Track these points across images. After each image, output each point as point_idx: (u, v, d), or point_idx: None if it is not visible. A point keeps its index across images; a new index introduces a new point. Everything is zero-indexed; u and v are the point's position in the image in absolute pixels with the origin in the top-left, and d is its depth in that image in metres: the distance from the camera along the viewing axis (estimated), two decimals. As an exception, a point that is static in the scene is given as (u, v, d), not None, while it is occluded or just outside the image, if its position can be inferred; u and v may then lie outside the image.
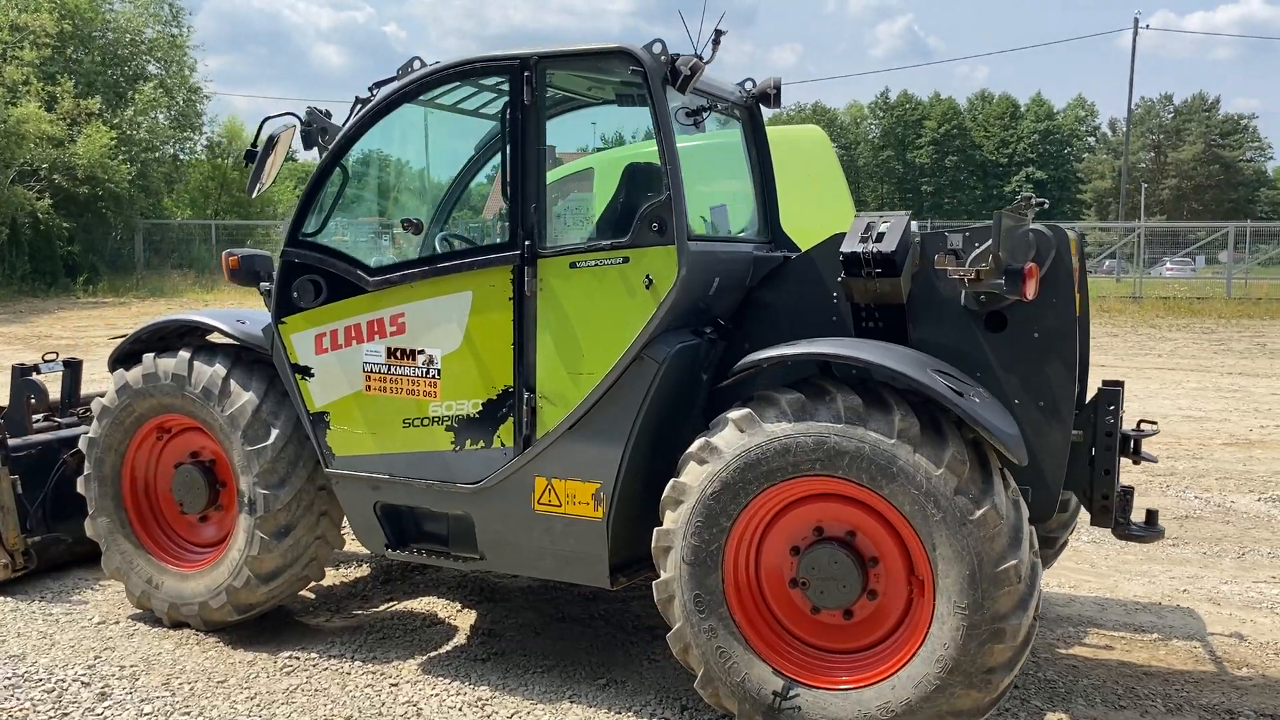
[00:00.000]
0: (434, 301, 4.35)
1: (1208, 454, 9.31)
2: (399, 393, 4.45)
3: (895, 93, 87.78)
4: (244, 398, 4.73)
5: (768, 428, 3.74)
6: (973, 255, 3.85)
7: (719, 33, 3.97)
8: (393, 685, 4.41)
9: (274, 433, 4.70)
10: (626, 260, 4.00)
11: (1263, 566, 6.18)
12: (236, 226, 34.34)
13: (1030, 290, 3.75)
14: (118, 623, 5.13)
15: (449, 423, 4.36)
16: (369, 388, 4.51)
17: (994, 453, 3.65)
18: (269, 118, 4.62)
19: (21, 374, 6.14)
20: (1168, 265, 42.10)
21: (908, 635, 3.71)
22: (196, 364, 4.84)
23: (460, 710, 4.19)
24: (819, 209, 5.71)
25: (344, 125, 4.53)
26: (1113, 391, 4.26)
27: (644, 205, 3.96)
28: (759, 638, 3.88)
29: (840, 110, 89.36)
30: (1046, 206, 4.41)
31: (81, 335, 18.48)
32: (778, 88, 4.72)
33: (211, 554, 5.02)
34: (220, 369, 4.80)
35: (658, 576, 4.01)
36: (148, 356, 4.96)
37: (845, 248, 4.08)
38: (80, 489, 5.19)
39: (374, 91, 4.58)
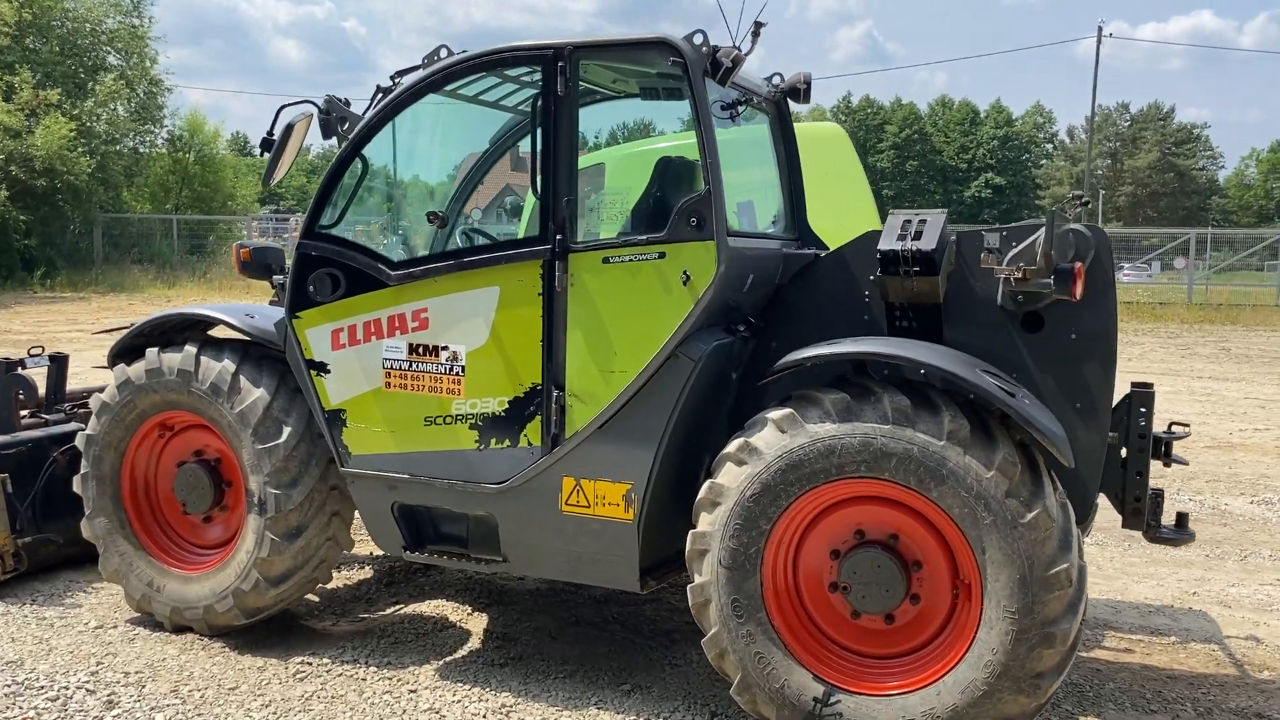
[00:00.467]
0: (459, 296, 4.22)
1: (1193, 457, 9.36)
2: (421, 390, 4.32)
3: (857, 97, 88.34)
4: (254, 394, 4.57)
5: (811, 428, 3.66)
6: (1014, 254, 3.79)
7: (759, 25, 3.90)
8: (411, 692, 4.28)
9: (286, 431, 4.55)
10: (663, 255, 3.90)
11: (1266, 569, 6.21)
12: (198, 222, 33.79)
13: (1079, 290, 3.70)
14: (116, 627, 4.95)
15: (473, 421, 4.24)
16: (389, 384, 4.38)
17: (1041, 455, 3.60)
18: (285, 105, 4.47)
19: (7, 369, 5.93)
20: (1125, 270, 42.72)
21: (953, 640, 3.65)
22: (204, 359, 4.68)
23: (484, 717, 4.07)
24: (840, 208, 5.64)
25: (365, 114, 4.39)
26: (1145, 393, 4.23)
27: (681, 200, 3.87)
28: (798, 643, 3.80)
29: (803, 114, 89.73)
30: (1089, 206, 4.35)
31: (42, 330, 18.06)
32: (808, 83, 4.65)
33: (217, 556, 4.86)
34: (229, 364, 4.64)
35: (689, 580, 3.93)
36: (151, 351, 4.79)
37: (883, 245, 4.01)
38: (76, 488, 5.00)
39: (396, 81, 4.45)
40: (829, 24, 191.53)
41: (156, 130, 35.03)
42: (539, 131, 4.04)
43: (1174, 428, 4.48)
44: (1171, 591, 5.77)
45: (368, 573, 5.81)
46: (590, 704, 4.19)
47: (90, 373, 9.35)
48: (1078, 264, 3.70)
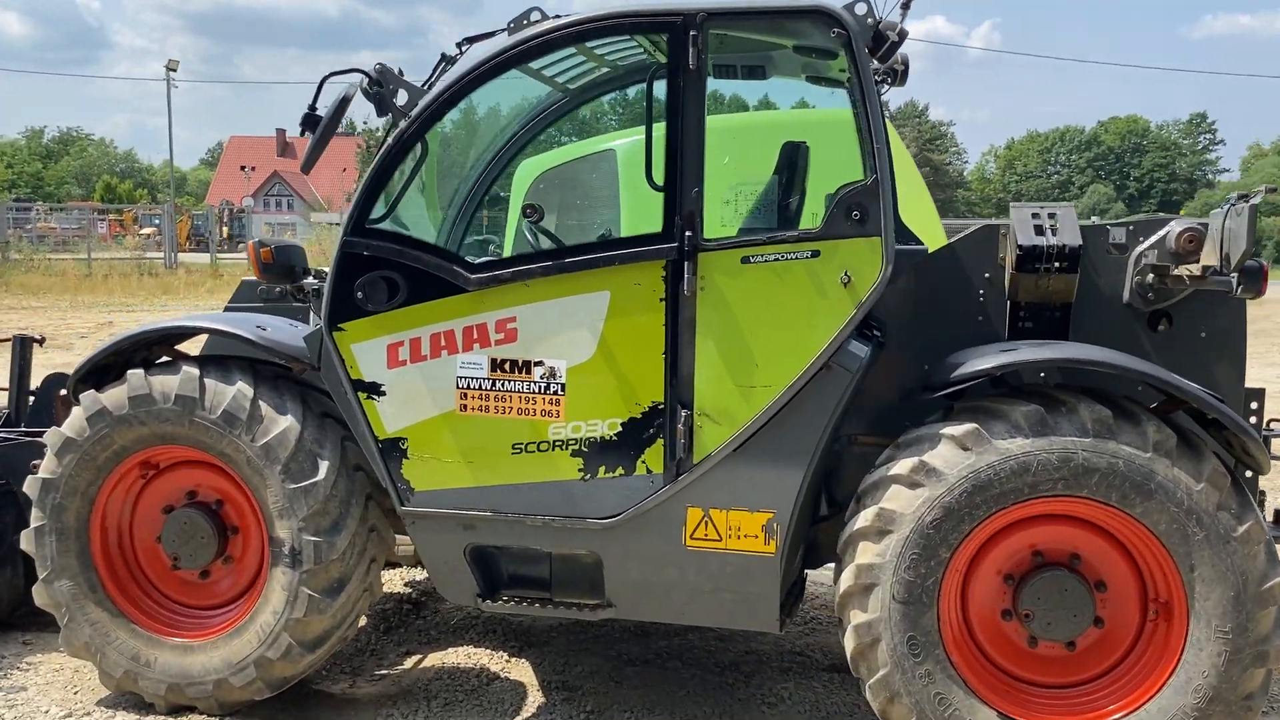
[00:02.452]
0: (558, 303, 3.62)
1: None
2: (507, 412, 3.69)
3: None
4: (282, 423, 3.80)
5: (1000, 444, 3.32)
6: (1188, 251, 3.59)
7: (909, -1, 3.51)
8: (503, 765, 3.67)
9: (323, 466, 3.81)
10: (816, 254, 3.46)
11: None
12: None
13: (1265, 289, 3.54)
14: (88, 715, 4.02)
15: (576, 447, 3.65)
16: (464, 407, 3.72)
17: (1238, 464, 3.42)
18: (330, 76, 3.70)
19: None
20: None
21: (1150, 665, 3.41)
22: (210, 382, 3.85)
23: (605, 789, 3.53)
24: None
25: (431, 88, 3.70)
26: (1257, 391, 4.15)
27: (841, 191, 3.44)
28: (978, 679, 3.47)
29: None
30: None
31: None
32: (905, 65, 4.29)
33: (225, 619, 4.04)
34: (245, 387, 3.84)
35: (842, 619, 3.53)
36: (135, 374, 3.91)
37: (1022, 240, 3.73)
38: (25, 545, 4.04)
39: (462, 49, 3.78)
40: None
41: None
42: (666, 111, 3.50)
43: (1272, 425, 4.43)
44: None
45: (359, 619, 5.04)
46: (714, 761, 3.71)
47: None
48: (1264, 262, 3.54)
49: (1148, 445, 3.28)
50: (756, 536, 3.59)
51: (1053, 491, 3.31)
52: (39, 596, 4.06)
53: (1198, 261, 3.65)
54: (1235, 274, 3.45)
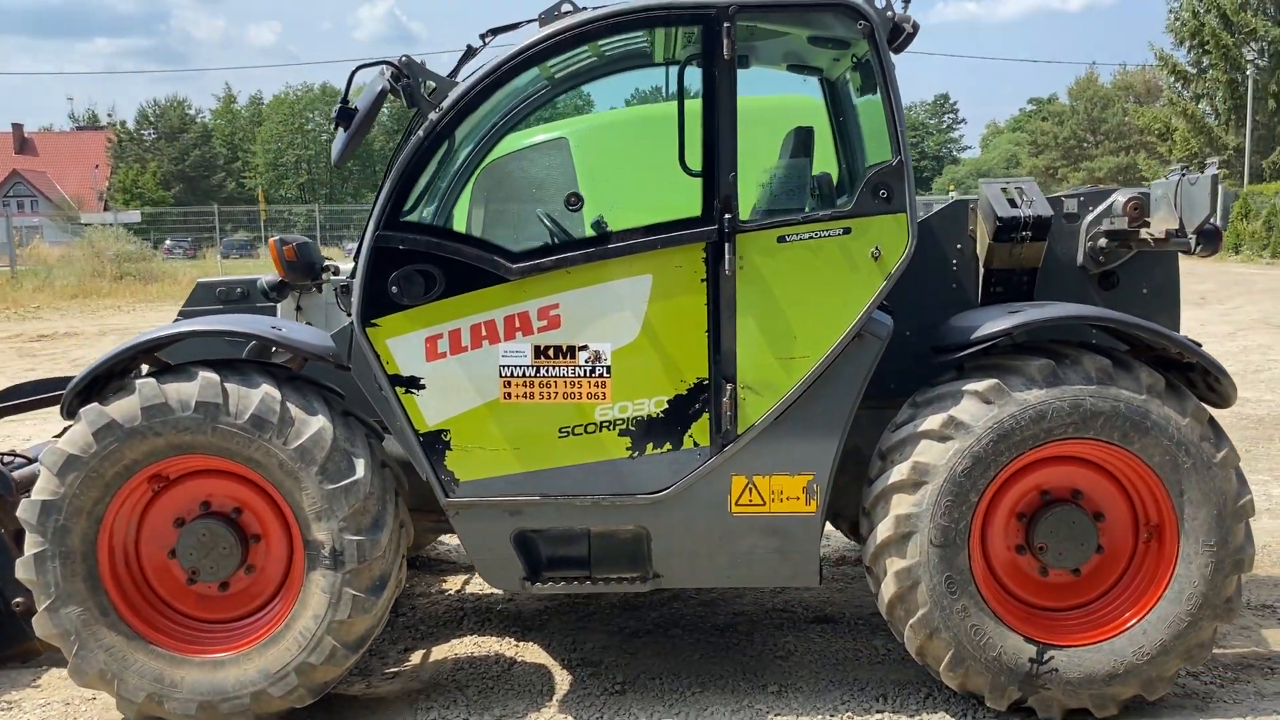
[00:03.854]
0: (600, 288, 3.73)
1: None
2: (552, 397, 3.77)
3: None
4: (315, 424, 3.73)
5: (1019, 396, 3.70)
6: (1158, 216, 4.07)
7: (911, -9, 3.81)
8: (567, 740, 3.77)
9: (360, 464, 3.77)
10: (848, 231, 3.72)
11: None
12: None
13: (1220, 247, 4.06)
14: (105, 745, 3.83)
15: (623, 426, 3.78)
16: (508, 395, 3.77)
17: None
18: (362, 66, 3.64)
19: None
20: None
21: (1146, 581, 3.87)
22: (231, 386, 3.72)
23: (673, 750, 3.70)
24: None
25: (462, 80, 3.71)
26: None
27: (870, 171, 3.71)
28: (1004, 609, 3.84)
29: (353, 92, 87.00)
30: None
31: None
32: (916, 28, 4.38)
33: (255, 629, 3.91)
34: (270, 390, 3.74)
35: (878, 566, 3.83)
36: (146, 382, 3.73)
37: (1001, 213, 4.13)
38: (21, 574, 3.78)
39: (486, 40, 3.80)
40: (349, 2, 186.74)
41: None
42: (701, 100, 3.66)
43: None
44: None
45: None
46: (763, 712, 3.94)
47: None
48: (1218, 224, 4.06)
49: (1142, 388, 3.73)
50: (798, 498, 3.83)
51: (1064, 435, 3.72)
52: (42, 627, 3.81)
53: (1146, 225, 4.16)
54: (1194, 235, 3.97)
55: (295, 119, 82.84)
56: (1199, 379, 3.93)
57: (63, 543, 3.76)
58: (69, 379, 5.41)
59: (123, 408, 3.72)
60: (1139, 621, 3.83)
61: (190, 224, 52.78)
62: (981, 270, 4.33)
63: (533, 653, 4.55)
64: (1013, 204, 4.17)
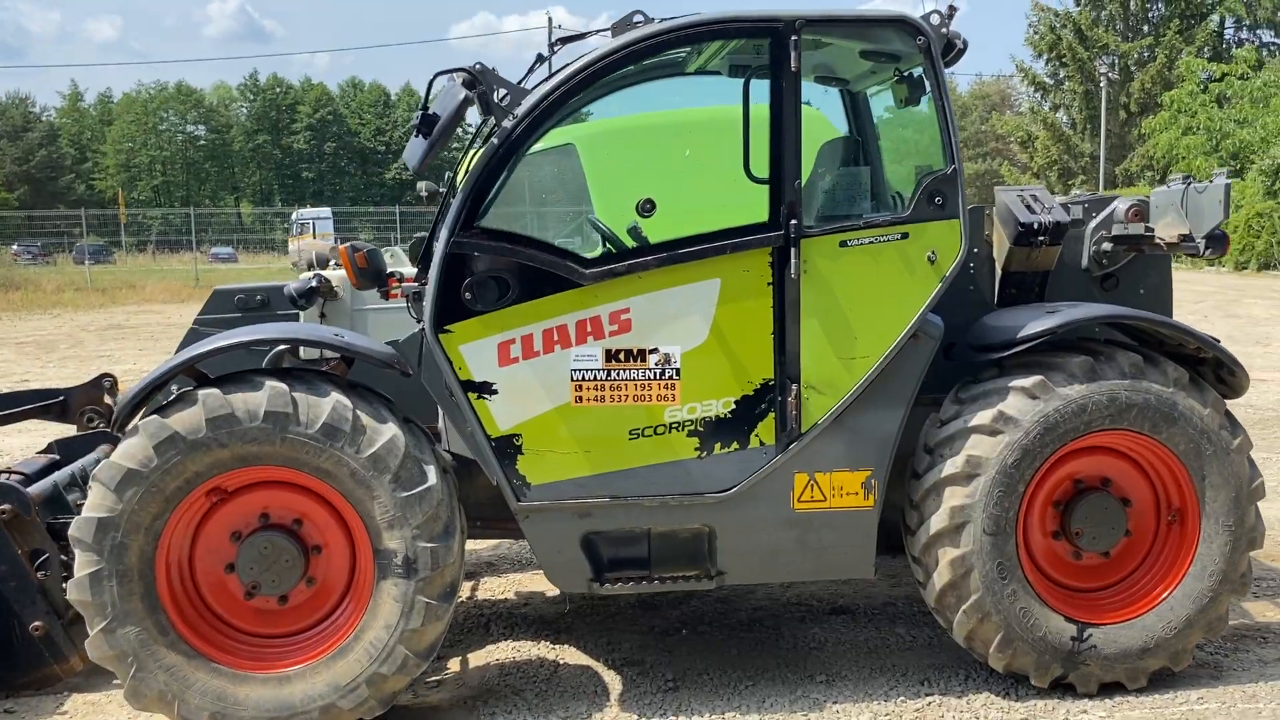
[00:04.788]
0: (670, 293, 3.81)
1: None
2: (623, 400, 3.83)
3: (234, 78, 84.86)
4: (387, 432, 3.70)
5: (1062, 391, 3.94)
6: (1165, 222, 4.37)
7: (953, 9, 4.01)
8: (642, 738, 3.83)
9: (430, 470, 3.76)
10: (905, 236, 3.90)
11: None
12: None
13: (1227, 250, 4.39)
14: (166, 767, 3.71)
15: (692, 427, 3.87)
16: (580, 399, 3.81)
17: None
18: (441, 73, 3.62)
19: None
20: None
21: (1169, 561, 4.16)
22: (300, 395, 3.67)
23: (747, 741, 3.80)
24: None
25: (537, 88, 3.73)
26: None
27: (925, 179, 3.89)
28: (1047, 592, 4.07)
29: (207, 90, 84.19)
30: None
31: None
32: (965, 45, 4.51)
33: (313, 642, 3.85)
34: (340, 398, 3.70)
35: (928, 558, 4.01)
36: (209, 393, 3.63)
37: (1023, 219, 4.38)
38: (75, 595, 3.64)
39: (556, 48, 3.83)
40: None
41: None
42: (769, 110, 3.78)
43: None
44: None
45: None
46: (814, 707, 4.07)
47: None
48: (1224, 230, 4.38)
49: (1169, 382, 4.02)
50: (857, 493, 3.99)
51: (1101, 426, 3.97)
52: (96, 649, 3.66)
53: (1150, 230, 4.47)
54: (1203, 239, 4.29)
55: (149, 118, 79.64)
56: (1209, 371, 4.24)
57: (120, 561, 3.63)
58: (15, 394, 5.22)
59: (185, 419, 3.61)
60: (1166, 599, 4.11)
61: (37, 228, 50.16)
62: (999, 273, 4.57)
63: (572, 655, 4.59)
64: (1030, 210, 4.42)
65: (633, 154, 5.35)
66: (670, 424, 3.86)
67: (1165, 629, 4.08)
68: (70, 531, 3.65)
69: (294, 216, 48.66)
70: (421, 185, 5.73)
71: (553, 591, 5.46)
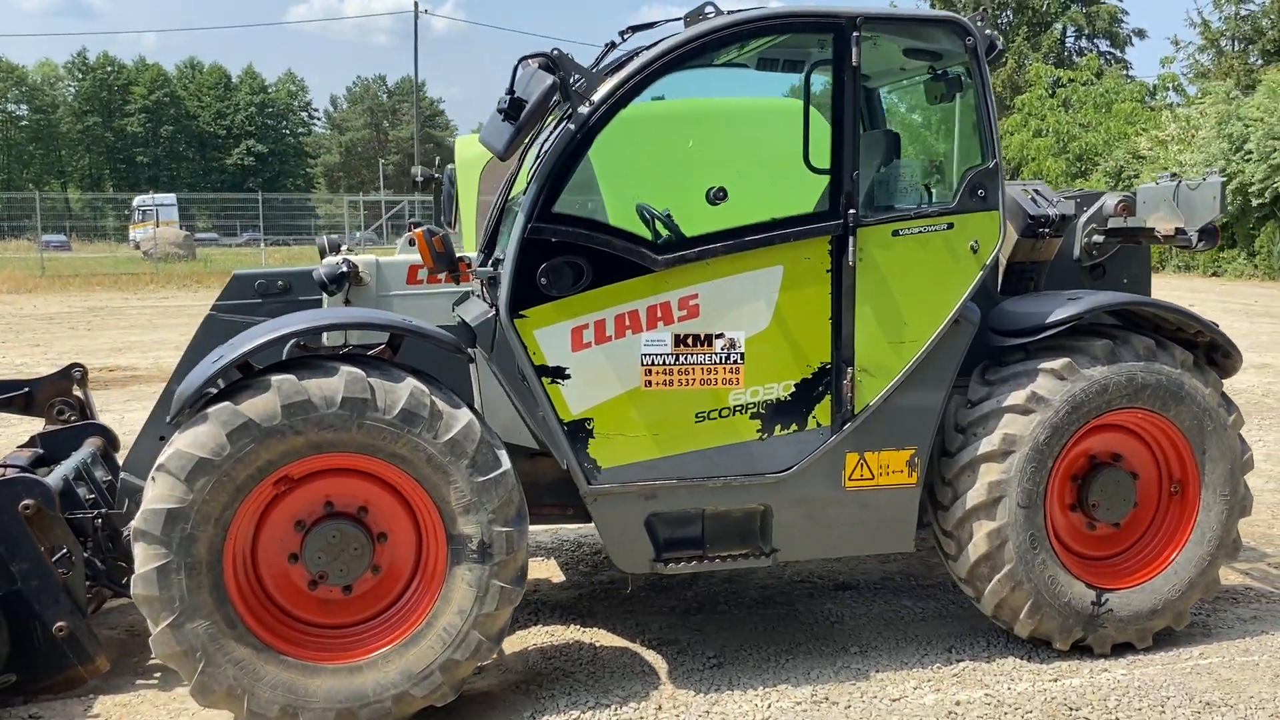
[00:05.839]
0: (736, 279, 3.92)
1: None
2: (690, 384, 3.92)
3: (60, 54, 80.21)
4: (463, 417, 3.69)
5: (1086, 372, 4.22)
6: (1158, 216, 4.72)
7: (987, 11, 4.23)
8: (705, 714, 3.93)
9: (502, 455, 3.76)
10: (951, 226, 4.10)
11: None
12: None
13: (1218, 241, 4.76)
14: (236, 764, 3.61)
15: (755, 410, 3.99)
16: (649, 383, 3.88)
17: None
18: (526, 57, 3.60)
19: None
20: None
21: (1172, 530, 4.50)
22: (376, 380, 3.62)
23: (794, 709, 3.95)
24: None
25: (614, 75, 3.76)
26: None
27: (970, 172, 4.10)
28: (1069, 560, 4.36)
29: (30, 68, 79.04)
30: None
31: None
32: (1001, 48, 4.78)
33: (381, 630, 3.80)
34: (416, 384, 3.67)
35: (962, 531, 4.24)
36: (283, 379, 3.55)
37: (1032, 211, 4.67)
38: (143, 589, 3.50)
39: (625, 36, 3.87)
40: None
41: None
42: (830, 102, 3.92)
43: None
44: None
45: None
46: (858, 676, 4.25)
47: None
48: (1215, 224, 4.75)
49: (1176, 363, 4.35)
50: (902, 471, 4.18)
51: (1118, 405, 4.28)
52: (162, 646, 3.53)
53: (1136, 221, 4.83)
54: (1195, 233, 4.65)
55: (-40, 96, 74.42)
56: (1201, 354, 4.61)
57: (189, 553, 3.51)
58: None
59: (259, 406, 3.52)
60: (1171, 564, 4.45)
61: None
62: (1003, 263, 4.85)
63: (606, 637, 4.64)
64: (1036, 204, 4.71)
65: (639, 143, 5.39)
66: (734, 407, 3.97)
67: (1171, 591, 4.42)
68: (134, 524, 3.51)
69: (135, 203, 46.54)
70: (416, 170, 5.65)
71: (559, 577, 5.50)
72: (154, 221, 43.47)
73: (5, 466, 4.51)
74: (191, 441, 3.51)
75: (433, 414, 3.64)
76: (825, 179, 4.94)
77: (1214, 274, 27.73)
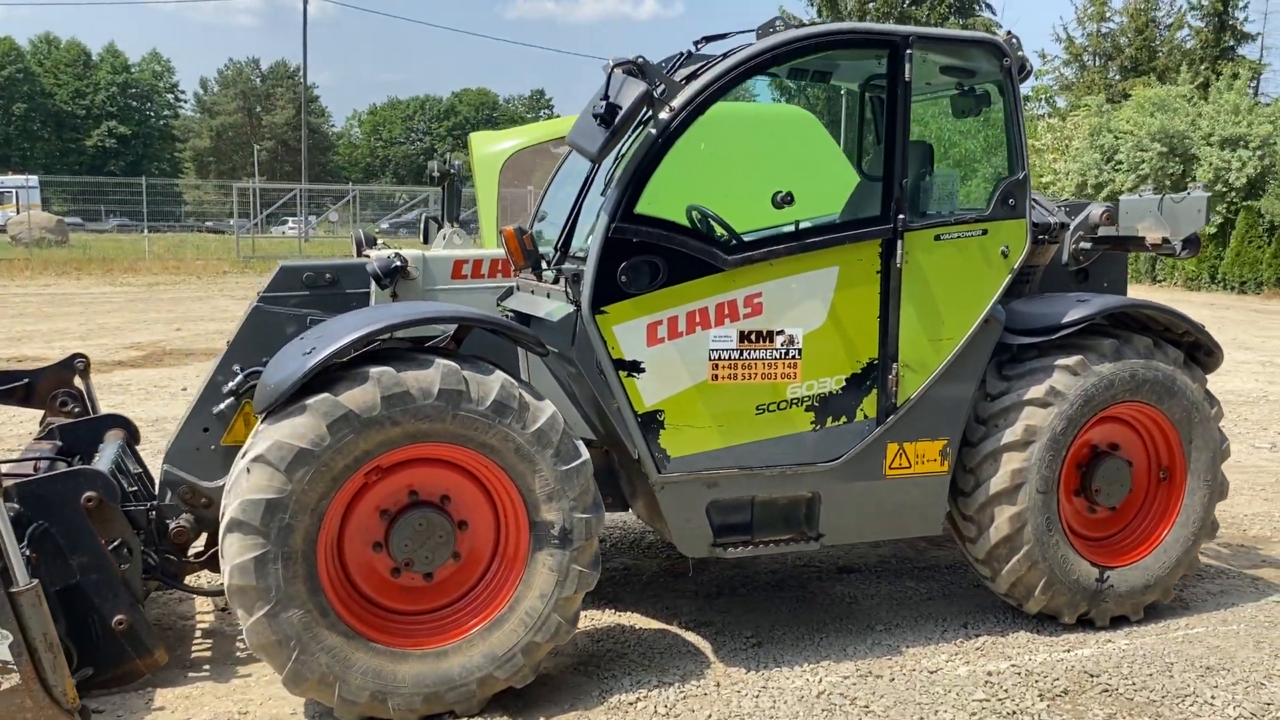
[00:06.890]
0: (796, 279, 4.15)
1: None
2: (753, 378, 4.14)
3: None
4: (547, 409, 3.83)
5: (1096, 369, 4.61)
6: (1146, 225, 5.14)
7: (1011, 34, 4.56)
8: (761, 690, 4.16)
9: (581, 445, 3.92)
10: (985, 232, 4.42)
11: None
12: None
13: (1199, 250, 5.20)
14: (330, 749, 3.67)
15: (809, 403, 4.23)
16: (715, 377, 4.08)
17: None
18: (620, 64, 3.74)
19: None
20: (290, 225, 45.40)
21: (1160, 513, 4.93)
22: (469, 373, 3.73)
23: (840, 683, 4.22)
24: (834, 189, 6.09)
25: (691, 84, 3.94)
26: None
27: (1002, 183, 4.42)
28: (1076, 541, 4.74)
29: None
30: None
31: None
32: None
33: (462, 616, 3.91)
34: (505, 376, 3.79)
35: (982, 516, 4.58)
36: (382, 371, 3.63)
37: (1035, 219, 5.04)
38: (240, 580, 3.53)
39: (699, 46, 4.05)
40: None
41: None
42: (884, 114, 4.19)
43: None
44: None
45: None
46: (891, 652, 4.55)
47: None
48: (1198, 234, 5.19)
49: (1170, 360, 4.78)
50: (935, 460, 4.49)
51: (1121, 399, 4.68)
52: (257, 636, 3.57)
53: (1116, 230, 5.26)
54: (1179, 242, 5.10)
55: None
56: (1186, 352, 5.05)
57: (286, 543, 3.56)
58: None
59: (359, 398, 3.59)
60: (1160, 545, 4.88)
61: None
62: (1007, 266, 5.20)
63: (643, 621, 4.83)
64: (1038, 211, 5.08)
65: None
66: (791, 400, 4.21)
67: (1161, 568, 4.85)
68: (231, 514, 3.54)
69: (-8, 184, 44.26)
70: (432, 164, 5.69)
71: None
72: (14, 205, 41.41)
73: (38, 460, 4.44)
74: (290, 432, 3.55)
75: (521, 405, 3.77)
76: (835, 185, 5.24)
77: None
